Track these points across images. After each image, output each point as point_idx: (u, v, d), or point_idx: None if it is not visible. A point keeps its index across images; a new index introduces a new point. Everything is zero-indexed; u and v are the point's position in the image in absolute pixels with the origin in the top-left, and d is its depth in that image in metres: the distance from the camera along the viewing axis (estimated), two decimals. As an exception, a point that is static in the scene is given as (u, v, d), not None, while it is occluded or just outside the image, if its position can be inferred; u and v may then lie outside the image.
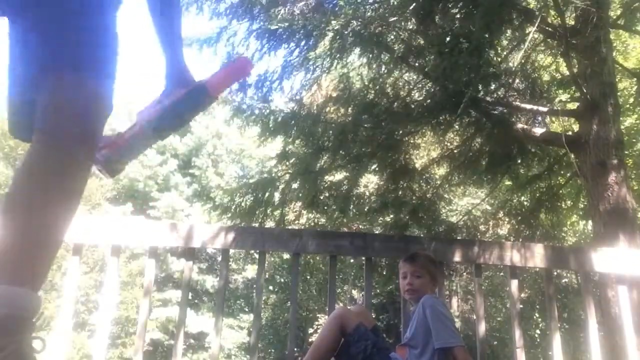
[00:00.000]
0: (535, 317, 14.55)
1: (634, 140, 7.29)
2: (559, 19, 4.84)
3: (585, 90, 4.88)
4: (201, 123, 21.75)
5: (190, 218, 19.48)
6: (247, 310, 19.91)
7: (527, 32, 5.09)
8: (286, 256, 15.43)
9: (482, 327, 3.06)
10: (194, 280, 18.36)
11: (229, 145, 21.82)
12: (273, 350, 18.93)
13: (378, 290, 14.81)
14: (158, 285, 18.00)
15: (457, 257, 3.17)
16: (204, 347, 18.41)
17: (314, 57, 4.85)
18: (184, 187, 21.09)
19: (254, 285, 16.37)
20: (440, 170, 7.54)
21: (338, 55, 4.88)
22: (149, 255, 3.07)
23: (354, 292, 17.72)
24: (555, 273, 6.86)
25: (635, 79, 6.43)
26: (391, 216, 7.68)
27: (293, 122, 6.11)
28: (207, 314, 18.73)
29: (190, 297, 17.19)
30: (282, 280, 18.63)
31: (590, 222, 6.61)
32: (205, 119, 21.36)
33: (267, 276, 17.24)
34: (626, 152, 5.59)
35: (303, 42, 5.06)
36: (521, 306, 3.44)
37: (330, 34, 4.60)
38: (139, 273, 16.33)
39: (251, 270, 18.98)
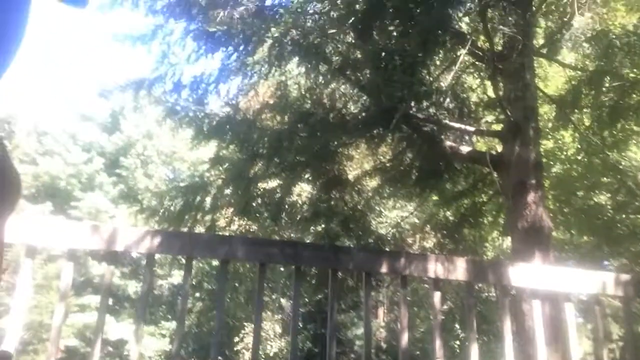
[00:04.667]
0: (456, 328, 15.09)
1: (551, 162, 7.77)
2: (487, 43, 5.09)
3: (509, 113, 5.15)
4: (131, 121, 20.96)
5: (115, 220, 18.67)
6: (169, 317, 19.31)
7: (458, 54, 5.31)
8: (215, 262, 15.14)
9: (405, 337, 3.12)
10: (115, 285, 17.60)
11: (159, 147, 21.12)
12: (195, 359, 18.46)
13: (307, 299, 14.85)
14: (76, 289, 17.10)
15: (384, 269, 3.21)
16: (122, 356, 17.67)
17: (252, 63, 4.82)
18: (110, 187, 20.16)
19: (180, 292, 15.93)
20: (372, 183, 7.69)
21: (276, 63, 4.88)
22: (67, 257, 2.91)
23: (283, 301, 17.63)
24: (477, 287, 7.19)
25: (554, 104, 6.87)
26: (322, 226, 7.75)
27: (228, 126, 6.04)
28: (127, 321, 17.98)
29: (110, 303, 16.45)
30: (210, 287, 18.24)
31: (509, 238, 6.96)
32: (135, 117, 20.61)
33: (194, 283, 16.82)
34: (544, 174, 5.93)
35: (242, 47, 5.02)
36: (443, 317, 3.54)
37: (269, 41, 4.60)
38: (56, 276, 15.46)
39: (177, 276, 18.44)
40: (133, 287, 18.86)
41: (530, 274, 3.20)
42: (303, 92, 6.02)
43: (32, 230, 2.78)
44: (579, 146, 7.65)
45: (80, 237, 2.88)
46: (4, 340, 2.52)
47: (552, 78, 8.29)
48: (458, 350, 15.17)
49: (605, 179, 7.75)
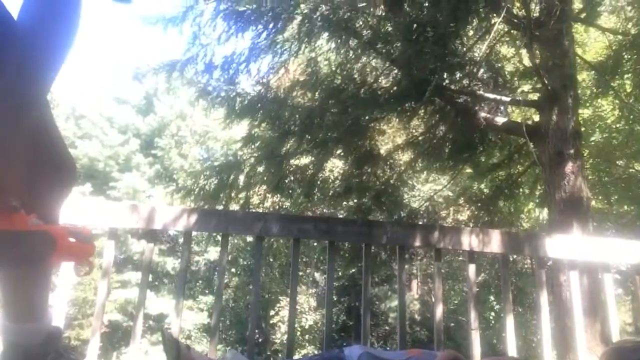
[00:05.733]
0: (490, 300, 15.04)
1: (590, 131, 7.55)
2: (523, 10, 4.94)
3: (546, 82, 5.01)
4: (165, 103, 21.23)
5: (151, 199, 19.12)
6: (207, 292, 19.80)
7: (492, 22, 5.17)
8: (250, 239, 15.40)
9: (439, 309, 3.14)
10: (154, 261, 18.11)
11: (193, 127, 21.36)
12: (233, 332, 18.96)
13: (340, 273, 15.00)
14: (117, 266, 17.69)
15: (418, 242, 3.22)
16: (162, 329, 18.23)
17: (281, 41, 4.80)
18: (146, 167, 20.59)
19: (216, 267, 16.26)
20: (405, 157, 7.63)
21: (306, 39, 4.85)
22: (108, 236, 3.03)
23: (317, 275, 17.87)
24: (512, 258, 7.14)
25: (593, 71, 6.63)
26: (355, 200, 7.77)
27: (259, 105, 6.06)
28: (167, 296, 18.55)
29: (150, 279, 16.96)
30: (245, 263, 18.60)
31: (546, 209, 6.84)
32: (169, 98, 20.84)
33: (229, 258, 17.17)
34: (582, 143, 5.79)
35: (271, 25, 4.99)
36: (477, 289, 3.54)
37: (299, 18, 4.56)
38: (98, 254, 15.97)
39: (213, 252, 18.84)
40: (171, 264, 19.40)
41: (568, 245, 3.16)
42: (333, 68, 5.97)
43: (74, 210, 2.90)
44: (620, 114, 7.40)
45: (120, 217, 2.99)
46: (51, 315, 2.65)
47: (590, 43, 8.00)
48: (493, 322, 15.14)
49: (646, 147, 7.49)
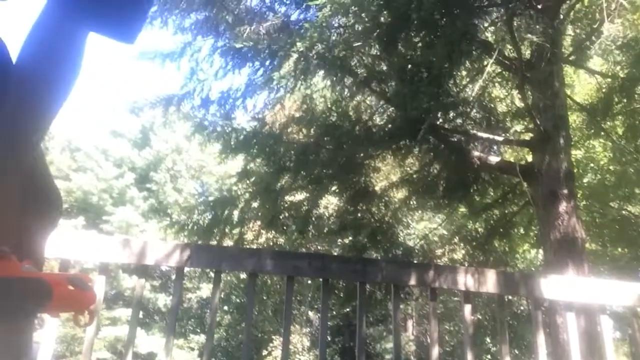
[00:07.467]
0: (486, 341, 14.79)
1: (582, 172, 7.62)
2: (514, 52, 5.05)
3: (538, 122, 5.07)
4: (161, 137, 21.37)
5: (145, 234, 18.97)
6: (198, 331, 19.42)
7: (484, 64, 5.28)
8: (243, 276, 15.22)
9: (435, 351, 3.07)
10: (145, 298, 17.83)
11: (188, 161, 21.45)
12: (225, 372, 18.52)
13: (334, 312, 14.77)
14: (108, 302, 17.39)
15: (413, 281, 3.18)
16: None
17: (278, 77, 4.86)
18: (140, 201, 20.53)
19: (209, 305, 16.03)
20: (399, 194, 7.65)
21: (302, 77, 4.92)
22: (99, 271, 2.98)
23: (311, 314, 17.58)
24: (507, 299, 7.07)
25: (583, 113, 6.74)
26: (350, 238, 7.73)
27: (255, 140, 6.10)
28: (157, 334, 18.17)
29: (141, 316, 16.66)
30: (238, 300, 18.32)
31: (541, 249, 6.81)
32: (165, 132, 20.99)
33: (222, 296, 16.91)
34: (575, 184, 5.83)
35: (268, 62, 5.08)
36: (472, 331, 3.47)
37: (295, 56, 4.64)
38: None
39: (206, 289, 18.59)
40: (163, 300, 19.09)
41: (564, 286, 3.12)
42: (329, 105, 6.05)
43: (65, 244, 2.85)
44: (611, 155, 7.49)
45: (112, 251, 2.94)
46: (38, 353, 2.58)
47: (580, 86, 8.16)
48: (489, 365, 14.85)
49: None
